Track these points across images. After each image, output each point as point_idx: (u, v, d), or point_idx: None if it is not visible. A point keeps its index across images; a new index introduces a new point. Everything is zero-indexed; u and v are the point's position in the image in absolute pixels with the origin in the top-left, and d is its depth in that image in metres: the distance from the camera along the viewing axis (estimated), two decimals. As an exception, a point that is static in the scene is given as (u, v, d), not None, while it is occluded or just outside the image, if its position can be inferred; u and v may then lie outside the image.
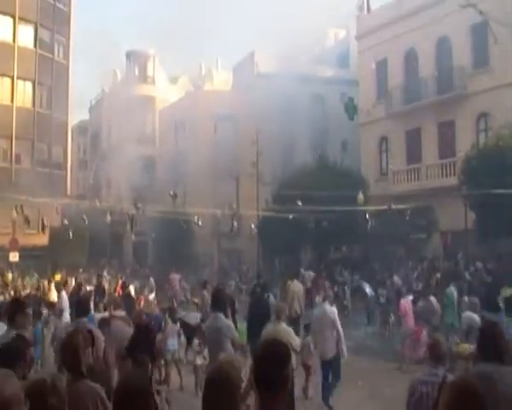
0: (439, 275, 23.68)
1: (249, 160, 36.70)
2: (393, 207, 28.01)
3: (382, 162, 37.56)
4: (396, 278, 24.39)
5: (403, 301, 15.23)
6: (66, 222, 37.49)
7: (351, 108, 42.85)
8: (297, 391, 10.81)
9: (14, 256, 30.23)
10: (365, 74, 38.02)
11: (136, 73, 50.31)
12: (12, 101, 36.72)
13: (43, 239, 35.34)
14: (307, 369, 12.06)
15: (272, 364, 3.11)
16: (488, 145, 26.62)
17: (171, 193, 31.95)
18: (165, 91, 49.51)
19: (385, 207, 28.81)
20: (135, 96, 47.86)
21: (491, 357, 4.65)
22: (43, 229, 30.81)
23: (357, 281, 27.37)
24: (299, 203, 28.62)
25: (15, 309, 6.20)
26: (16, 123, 36.14)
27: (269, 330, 9.11)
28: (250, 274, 34.43)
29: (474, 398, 2.18)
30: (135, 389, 3.16)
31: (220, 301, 8.60)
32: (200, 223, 31.62)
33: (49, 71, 37.95)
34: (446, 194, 27.98)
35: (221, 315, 8.36)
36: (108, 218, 34.76)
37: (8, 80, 36.64)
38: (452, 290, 16.31)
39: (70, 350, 4.62)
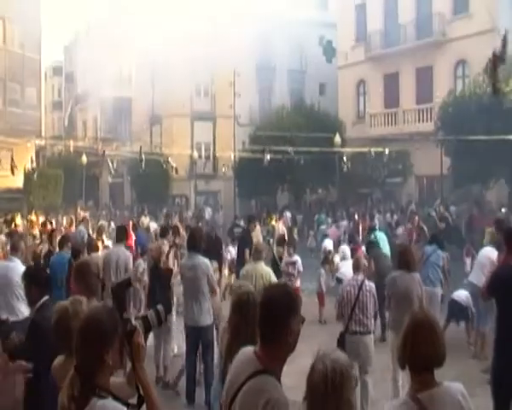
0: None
1: (226, 101, 36.39)
2: (371, 150, 28.11)
3: (360, 106, 37.53)
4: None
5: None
6: (40, 164, 37.14)
7: (329, 51, 42.49)
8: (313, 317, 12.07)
9: (-13, 198, 29.87)
10: (344, 17, 37.53)
11: (113, 12, 48.91)
12: (-18, 38, 35.72)
13: (17, 181, 34.90)
14: (321, 298, 13.20)
15: (270, 310, 2.94)
16: (465, 92, 26.75)
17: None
18: (143, 32, 48.27)
19: (362, 149, 28.93)
20: (110, 37, 46.70)
21: (401, 267, 7.94)
22: (12, 171, 30.32)
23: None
24: (268, 150, 28.58)
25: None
26: (-14, 62, 35.21)
27: (247, 268, 9.22)
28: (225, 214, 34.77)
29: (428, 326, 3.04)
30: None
31: (196, 241, 8.61)
32: (174, 165, 31.49)
33: (19, 7, 36.66)
34: (423, 139, 28.21)
35: (197, 254, 8.38)
36: (84, 159, 34.45)
37: (-24, 17, 35.56)
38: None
39: None
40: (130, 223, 20.17)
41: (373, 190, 33.69)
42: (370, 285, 7.85)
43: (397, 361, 3.21)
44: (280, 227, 15.45)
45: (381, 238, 13.66)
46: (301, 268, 12.05)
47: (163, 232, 12.21)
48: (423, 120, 31.45)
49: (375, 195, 33.76)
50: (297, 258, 12.08)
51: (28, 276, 5.66)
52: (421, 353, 2.98)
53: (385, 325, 10.51)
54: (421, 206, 28.84)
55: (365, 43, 35.63)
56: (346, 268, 12.24)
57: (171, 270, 10.13)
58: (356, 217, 25.06)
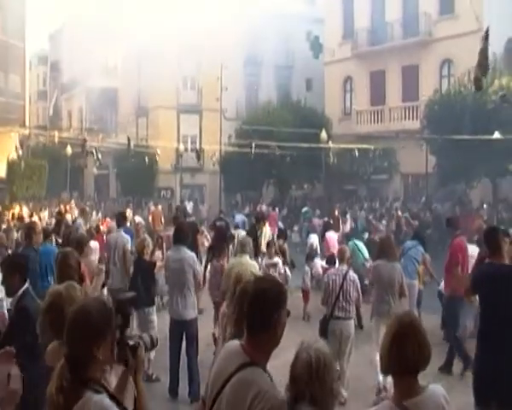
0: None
1: (213, 95, 36.33)
2: (357, 146, 28.25)
3: (346, 102, 37.64)
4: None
5: (327, 234, 15.36)
6: (24, 154, 36.77)
7: (316, 47, 42.50)
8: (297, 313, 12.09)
9: (-31, 189, 29.58)
10: (331, 13, 37.57)
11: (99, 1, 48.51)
12: (-36, 26, 35.27)
13: (0, 171, 34.59)
14: (305, 294, 13.18)
15: (258, 303, 2.95)
16: (450, 91, 26.98)
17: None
18: (130, 22, 47.91)
19: (348, 145, 29.07)
20: (97, 26, 46.34)
21: (386, 256, 8.52)
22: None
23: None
24: (253, 144, 28.63)
25: None
26: (-31, 48, 34.79)
27: (232, 261, 9.21)
28: (209, 208, 34.78)
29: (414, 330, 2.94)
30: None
31: (182, 234, 8.61)
32: (160, 157, 31.42)
33: (3, -4, 36.37)
34: (408, 137, 28.38)
35: (183, 247, 8.40)
36: (69, 150, 34.22)
37: (-42, 3, 35.09)
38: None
39: None
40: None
41: (358, 186, 33.85)
42: (354, 275, 8.39)
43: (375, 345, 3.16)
44: (267, 231, 15.35)
45: (360, 247, 13.82)
46: (283, 271, 11.60)
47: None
48: (409, 118, 31.65)
49: (360, 191, 33.92)
50: (278, 260, 11.62)
51: (9, 264, 5.62)
52: (407, 357, 2.89)
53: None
54: (406, 203, 29.05)
55: (352, 40, 35.74)
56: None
57: (155, 263, 10.14)
58: (336, 213, 25.13)
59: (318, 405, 2.77)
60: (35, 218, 21.04)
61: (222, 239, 12.67)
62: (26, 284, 5.40)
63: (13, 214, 23.20)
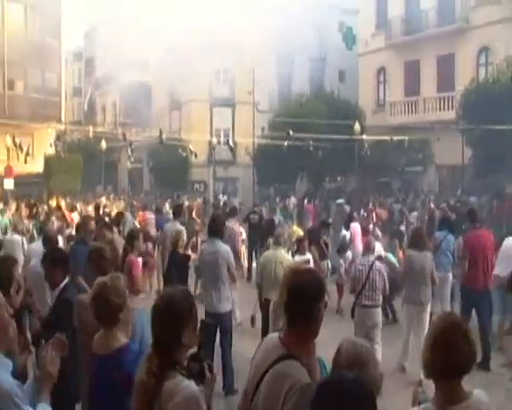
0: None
1: (246, 88, 36.31)
2: (392, 138, 27.86)
3: (380, 93, 37.22)
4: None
5: (352, 225, 15.29)
6: (60, 149, 37.35)
7: (349, 38, 42.04)
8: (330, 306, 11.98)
9: (8, 184, 30.11)
10: (365, 3, 37.16)
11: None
12: (3, 25, 35.81)
13: (37, 166, 35.20)
14: (340, 288, 13.21)
15: (298, 296, 2.94)
16: (488, 80, 26.34)
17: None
18: (163, 18, 48.26)
19: (382, 137, 28.71)
20: (130, 22, 46.76)
21: (417, 246, 8.87)
22: (27, 155, 30.66)
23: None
24: (291, 132, 28.46)
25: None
26: (8, 48, 35.30)
27: (267, 254, 9.19)
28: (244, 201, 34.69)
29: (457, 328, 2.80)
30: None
31: (218, 228, 8.61)
32: (193, 150, 31.51)
33: (40, -7, 36.89)
34: (444, 128, 27.87)
35: (218, 240, 8.40)
36: (103, 144, 34.64)
37: (-2, 3, 35.74)
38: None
39: None
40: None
41: (392, 178, 33.46)
42: (380, 266, 8.77)
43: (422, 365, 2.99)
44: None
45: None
46: (326, 265, 11.75)
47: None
48: (444, 109, 31.08)
49: (394, 184, 33.52)
50: (309, 256, 11.26)
51: (52, 258, 5.70)
52: (453, 360, 2.75)
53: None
54: (441, 196, 28.51)
55: (386, 29, 35.22)
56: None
57: (189, 256, 10.19)
58: (370, 205, 24.91)
59: None
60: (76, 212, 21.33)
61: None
62: (67, 278, 5.48)
63: (56, 207, 23.62)
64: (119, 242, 9.61)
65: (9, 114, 33.70)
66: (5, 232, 16.93)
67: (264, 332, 8.14)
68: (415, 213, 22.11)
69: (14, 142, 27.95)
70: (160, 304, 3.03)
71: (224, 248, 8.30)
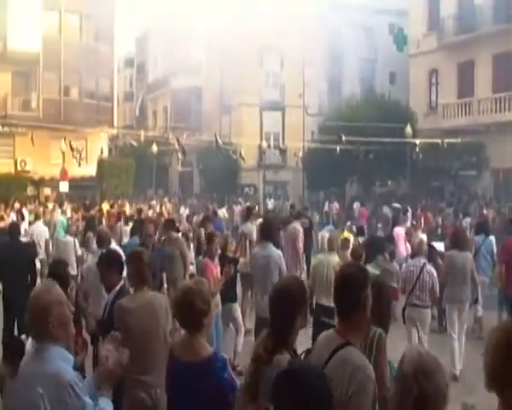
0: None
1: (296, 91, 36.24)
2: (445, 141, 27.23)
3: (432, 96, 36.47)
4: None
5: (396, 229, 15.42)
6: (113, 153, 38.11)
7: (400, 39, 41.41)
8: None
9: (63, 187, 30.89)
10: (416, 3, 36.51)
11: (182, 2, 49.62)
12: (60, 34, 36.86)
13: (91, 170, 36.00)
14: (394, 292, 12.86)
15: (346, 287, 3.22)
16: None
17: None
18: (212, 22, 48.77)
19: (434, 140, 28.14)
20: (180, 27, 47.39)
21: (458, 247, 9.14)
22: (81, 158, 31.37)
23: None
24: (343, 137, 28.20)
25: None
26: (64, 55, 36.32)
27: (320, 257, 9.12)
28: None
29: None
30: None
31: (270, 231, 8.56)
32: (243, 154, 31.61)
33: (95, 3, 37.75)
34: (499, 130, 27.10)
35: (270, 244, 8.35)
36: (154, 148, 35.14)
37: (55, 13, 36.71)
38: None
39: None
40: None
41: (445, 183, 32.76)
42: (431, 268, 8.89)
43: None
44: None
45: None
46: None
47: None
48: (500, 110, 30.10)
49: (446, 188, 32.81)
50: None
51: (108, 260, 5.76)
52: None
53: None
54: (497, 201, 27.64)
55: (438, 30, 34.47)
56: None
57: (238, 259, 10.20)
58: (419, 210, 24.37)
59: (427, 403, 2.65)
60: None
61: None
62: (122, 282, 5.53)
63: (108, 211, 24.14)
64: (182, 243, 10.33)
65: (64, 119, 34.60)
66: (53, 233, 17.49)
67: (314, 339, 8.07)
68: (468, 219, 21.45)
69: (70, 146, 28.64)
70: (279, 294, 3.39)
71: (276, 252, 8.25)
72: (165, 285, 9.81)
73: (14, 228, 10.08)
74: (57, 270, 5.92)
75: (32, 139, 29.65)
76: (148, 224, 10.78)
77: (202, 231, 11.64)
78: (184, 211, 26.56)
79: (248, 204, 24.08)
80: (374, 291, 4.38)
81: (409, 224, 17.70)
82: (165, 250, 10.13)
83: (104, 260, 5.86)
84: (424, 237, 14.01)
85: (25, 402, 3.03)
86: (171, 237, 10.31)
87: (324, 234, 15.43)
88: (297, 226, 13.53)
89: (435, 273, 8.86)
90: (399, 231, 15.25)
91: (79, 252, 12.31)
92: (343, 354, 3.09)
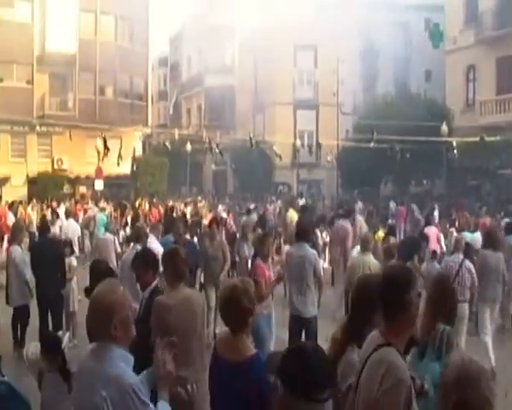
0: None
1: (330, 89, 36.02)
2: (483, 138, 26.62)
3: (469, 92, 35.81)
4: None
5: (428, 228, 15.03)
6: (147, 151, 38.46)
7: (436, 35, 40.73)
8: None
9: (99, 185, 31.32)
10: (452, -1, 35.92)
11: (216, 2, 49.69)
12: (96, 35, 37.39)
13: (125, 168, 36.45)
14: None
15: (391, 287, 3.20)
16: None
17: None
18: (245, 21, 48.84)
19: (471, 138, 27.59)
20: (214, 26, 47.52)
21: (491, 247, 9.42)
22: (119, 157, 31.73)
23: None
24: (375, 134, 27.85)
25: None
26: (100, 56, 36.84)
27: (354, 260, 9.00)
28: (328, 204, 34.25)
29: None
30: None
31: (305, 232, 8.52)
32: (278, 152, 31.52)
33: (129, 5, 38.20)
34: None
35: (305, 244, 8.31)
36: (188, 147, 35.34)
37: (91, 15, 37.26)
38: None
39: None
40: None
41: (483, 182, 32.12)
42: (469, 264, 9.03)
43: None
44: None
45: None
46: None
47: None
48: (541, 107, 29.46)
49: (484, 187, 32.15)
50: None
51: (144, 259, 5.76)
52: None
53: None
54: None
55: (476, 24, 33.80)
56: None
57: (273, 258, 10.16)
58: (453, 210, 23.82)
59: None
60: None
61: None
62: (156, 280, 5.53)
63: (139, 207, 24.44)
64: (225, 245, 10.90)
65: (100, 119, 35.07)
66: (93, 230, 17.86)
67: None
68: (507, 220, 20.86)
69: (105, 145, 29.01)
70: (359, 294, 3.56)
71: (311, 252, 8.22)
72: (200, 282, 9.97)
73: (42, 226, 10.33)
74: (101, 268, 5.96)
75: (70, 137, 30.17)
76: (179, 222, 10.89)
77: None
78: (221, 209, 26.52)
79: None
80: (436, 289, 4.43)
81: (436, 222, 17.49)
82: (203, 247, 10.43)
83: (140, 258, 5.86)
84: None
85: (88, 404, 3.04)
86: (215, 236, 10.68)
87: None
88: (346, 225, 13.46)
89: (473, 269, 8.99)
90: (431, 230, 14.89)
91: (119, 249, 12.57)
92: (380, 354, 3.10)
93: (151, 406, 3.05)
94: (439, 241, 14.39)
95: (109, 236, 12.81)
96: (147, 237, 9.02)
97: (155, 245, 8.82)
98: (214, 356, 3.89)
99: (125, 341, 3.18)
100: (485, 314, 9.16)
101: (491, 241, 9.51)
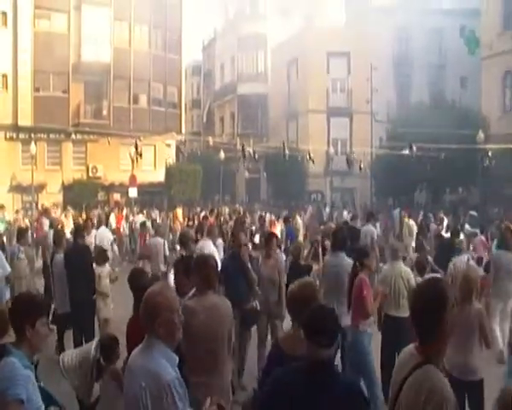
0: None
1: (363, 97, 35.80)
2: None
3: (506, 99, 35.24)
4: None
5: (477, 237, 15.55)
6: (180, 159, 38.70)
7: (472, 42, 40.17)
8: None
9: (132, 192, 31.60)
10: (489, 4, 35.36)
11: (248, 9, 49.96)
12: (130, 44, 37.86)
13: (159, 176, 36.70)
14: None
15: (426, 310, 3.07)
16: None
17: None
18: (277, 28, 48.98)
19: (508, 146, 27.07)
20: (246, 34, 47.76)
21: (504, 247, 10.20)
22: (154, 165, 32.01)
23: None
24: (414, 148, 27.49)
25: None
26: (134, 65, 37.26)
27: (386, 269, 8.82)
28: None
29: None
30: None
31: (340, 240, 8.46)
32: (312, 159, 31.37)
33: (163, 14, 38.61)
34: None
35: (341, 253, 8.24)
36: (222, 155, 35.45)
37: (125, 24, 37.77)
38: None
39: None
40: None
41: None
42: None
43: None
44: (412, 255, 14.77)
45: None
46: None
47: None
48: None
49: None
50: None
51: (184, 266, 5.69)
52: None
53: None
54: None
55: (513, 30, 33.29)
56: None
57: (311, 266, 10.07)
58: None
59: None
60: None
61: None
62: (194, 288, 5.49)
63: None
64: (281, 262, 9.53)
65: (134, 127, 35.46)
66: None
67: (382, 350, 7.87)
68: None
69: (137, 151, 29.28)
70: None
71: (347, 261, 8.14)
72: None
73: (75, 231, 10.47)
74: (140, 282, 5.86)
75: (108, 142, 30.57)
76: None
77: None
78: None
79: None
80: None
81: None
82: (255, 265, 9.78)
83: (180, 264, 5.82)
84: None
85: (131, 393, 3.33)
86: (272, 254, 9.04)
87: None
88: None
89: None
90: (479, 239, 15.45)
91: (167, 252, 13.03)
92: (421, 373, 3.01)
93: (185, 406, 3.27)
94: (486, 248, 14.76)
95: (159, 239, 13.34)
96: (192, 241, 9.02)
97: (208, 249, 8.87)
98: (276, 352, 4.16)
99: (170, 341, 3.42)
100: (496, 310, 9.84)
101: (505, 242, 10.30)
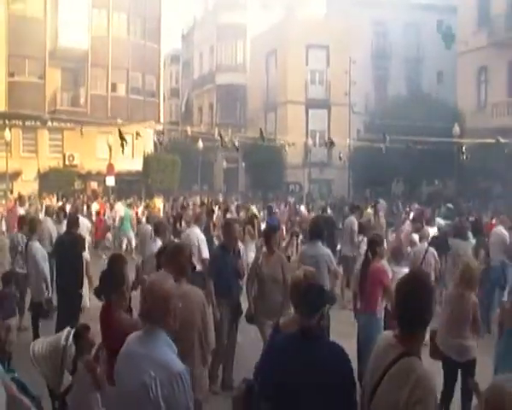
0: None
1: (342, 89, 36.03)
2: (495, 140, 26.50)
3: (481, 94, 35.76)
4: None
5: None
6: (158, 149, 38.53)
7: (448, 37, 40.64)
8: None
9: (110, 181, 31.45)
10: (465, 0, 35.76)
11: (228, -1, 49.80)
12: (108, 32, 37.49)
13: (137, 164, 36.53)
14: None
15: (412, 296, 3.12)
16: None
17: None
18: (257, 19, 48.91)
19: (483, 140, 27.50)
20: (225, 24, 47.61)
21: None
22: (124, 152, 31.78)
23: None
24: (387, 137, 27.77)
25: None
26: (112, 53, 36.92)
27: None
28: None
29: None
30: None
31: (318, 229, 8.54)
32: (288, 151, 31.50)
33: (142, 2, 38.30)
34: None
35: (319, 243, 8.31)
36: (200, 144, 35.38)
37: (104, 11, 37.37)
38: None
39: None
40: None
41: (493, 184, 32.02)
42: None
43: None
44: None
45: None
46: None
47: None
48: (553, 110, 29.37)
49: (495, 189, 32.04)
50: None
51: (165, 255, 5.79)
52: None
53: None
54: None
55: (488, 27, 33.72)
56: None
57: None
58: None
59: None
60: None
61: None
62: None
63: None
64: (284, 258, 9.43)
65: (111, 115, 35.20)
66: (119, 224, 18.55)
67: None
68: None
69: (122, 137, 28.93)
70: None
71: (325, 251, 8.22)
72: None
73: (69, 221, 10.24)
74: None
75: (81, 132, 30.24)
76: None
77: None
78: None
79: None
80: None
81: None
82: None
83: (163, 253, 5.91)
84: None
85: (136, 382, 3.24)
86: (273, 250, 8.71)
87: None
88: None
89: None
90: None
91: None
92: (406, 364, 3.05)
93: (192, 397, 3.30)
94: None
95: (149, 227, 13.40)
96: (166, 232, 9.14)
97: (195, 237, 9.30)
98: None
99: (172, 329, 3.43)
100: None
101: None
